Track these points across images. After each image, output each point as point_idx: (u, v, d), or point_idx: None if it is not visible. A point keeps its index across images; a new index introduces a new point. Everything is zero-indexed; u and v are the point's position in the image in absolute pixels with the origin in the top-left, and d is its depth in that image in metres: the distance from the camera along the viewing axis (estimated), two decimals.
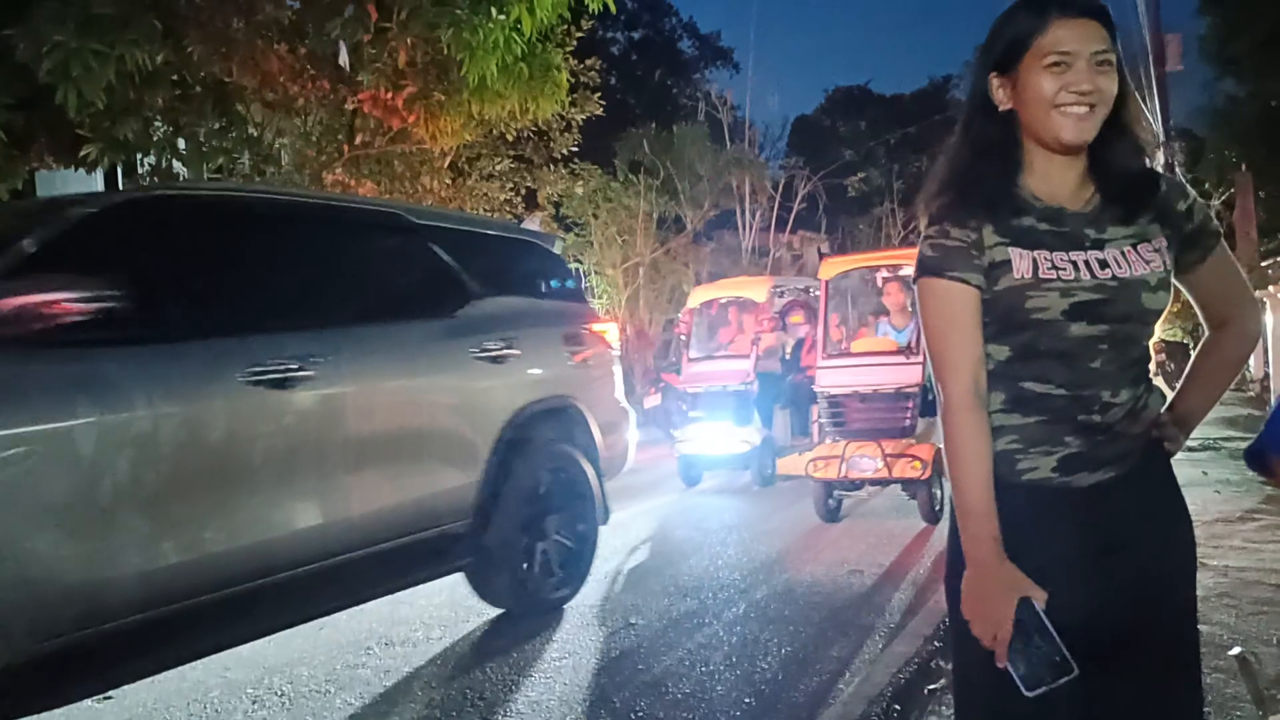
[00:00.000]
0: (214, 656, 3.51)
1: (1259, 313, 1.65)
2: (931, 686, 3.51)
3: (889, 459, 6.16)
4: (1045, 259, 1.47)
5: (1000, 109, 1.51)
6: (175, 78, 7.47)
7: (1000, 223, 1.49)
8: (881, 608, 4.63)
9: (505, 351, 4.40)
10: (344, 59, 7.30)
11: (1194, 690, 1.55)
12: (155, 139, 7.80)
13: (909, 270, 6.35)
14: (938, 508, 6.34)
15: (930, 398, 6.24)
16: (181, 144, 8.48)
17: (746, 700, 3.49)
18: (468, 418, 4.22)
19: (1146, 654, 1.49)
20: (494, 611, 4.79)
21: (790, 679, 3.69)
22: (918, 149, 32.23)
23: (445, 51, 7.32)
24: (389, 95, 7.85)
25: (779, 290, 9.84)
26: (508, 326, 4.48)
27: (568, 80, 8.88)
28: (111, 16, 6.12)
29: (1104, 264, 1.46)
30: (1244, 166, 16.76)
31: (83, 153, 6.79)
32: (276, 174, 8.53)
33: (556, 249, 5.43)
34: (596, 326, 5.25)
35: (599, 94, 11.26)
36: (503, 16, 7.08)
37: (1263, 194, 17.75)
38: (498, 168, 11.48)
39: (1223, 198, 18.59)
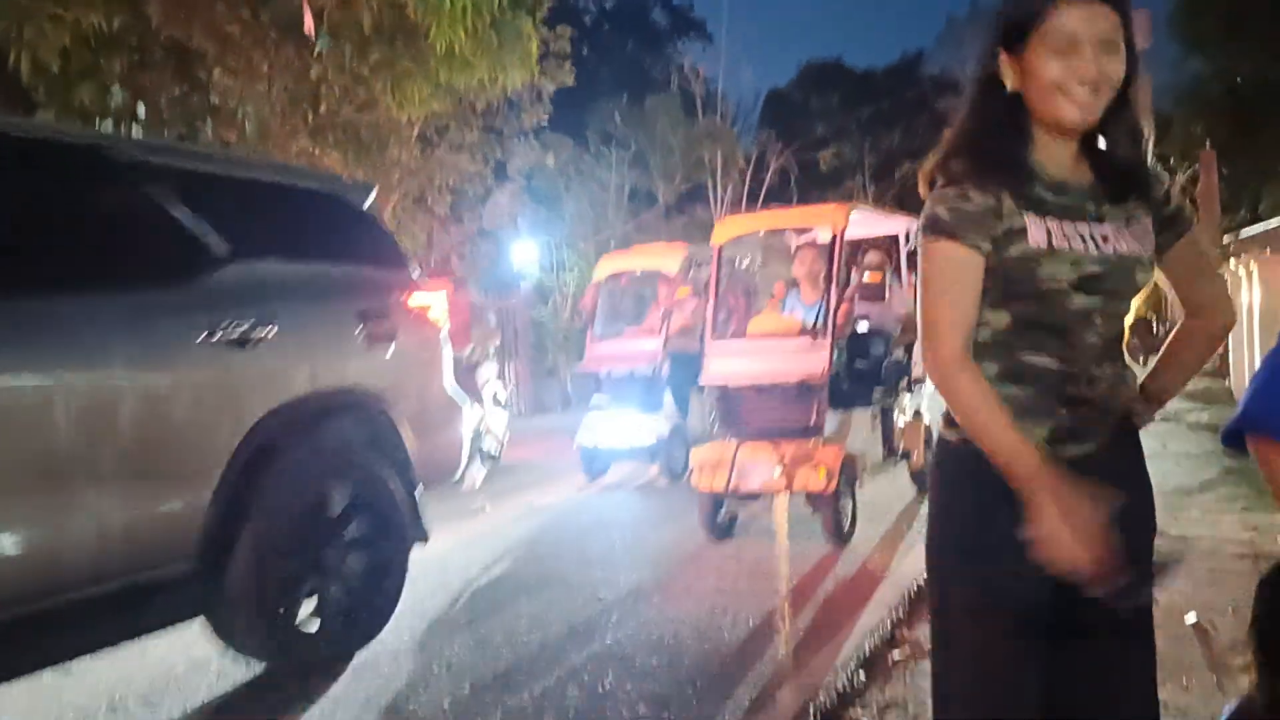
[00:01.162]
0: (178, 632, 3.47)
1: (1229, 301, 1.69)
2: (896, 655, 3.56)
3: (788, 466, 5.06)
4: (1057, 229, 1.48)
5: (1009, 87, 1.51)
6: (134, 42, 7.30)
7: (1016, 189, 1.49)
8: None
9: (254, 334, 3.35)
10: (308, 25, 7.15)
11: (1149, 657, 1.58)
12: (113, 105, 7.62)
13: (824, 233, 5.74)
14: (846, 526, 5.25)
15: (846, 387, 5.55)
16: (141, 110, 8.29)
17: None
18: (189, 423, 3.18)
19: (1108, 623, 1.51)
20: (459, 585, 4.78)
21: None
22: (890, 124, 32.31)
23: (412, 17, 7.20)
24: (355, 62, 7.71)
25: (697, 260, 8.73)
26: (263, 300, 3.42)
27: (538, 48, 8.77)
28: None
29: (1105, 238, 1.49)
30: (1208, 144, 16.95)
31: (36, 117, 6.61)
32: (240, 142, 8.36)
33: (365, 200, 4.32)
34: (416, 299, 4.21)
35: (570, 63, 11.13)
36: None
37: (1225, 171, 17.98)
38: (467, 139, 11.33)
39: (1188, 174, 18.81)
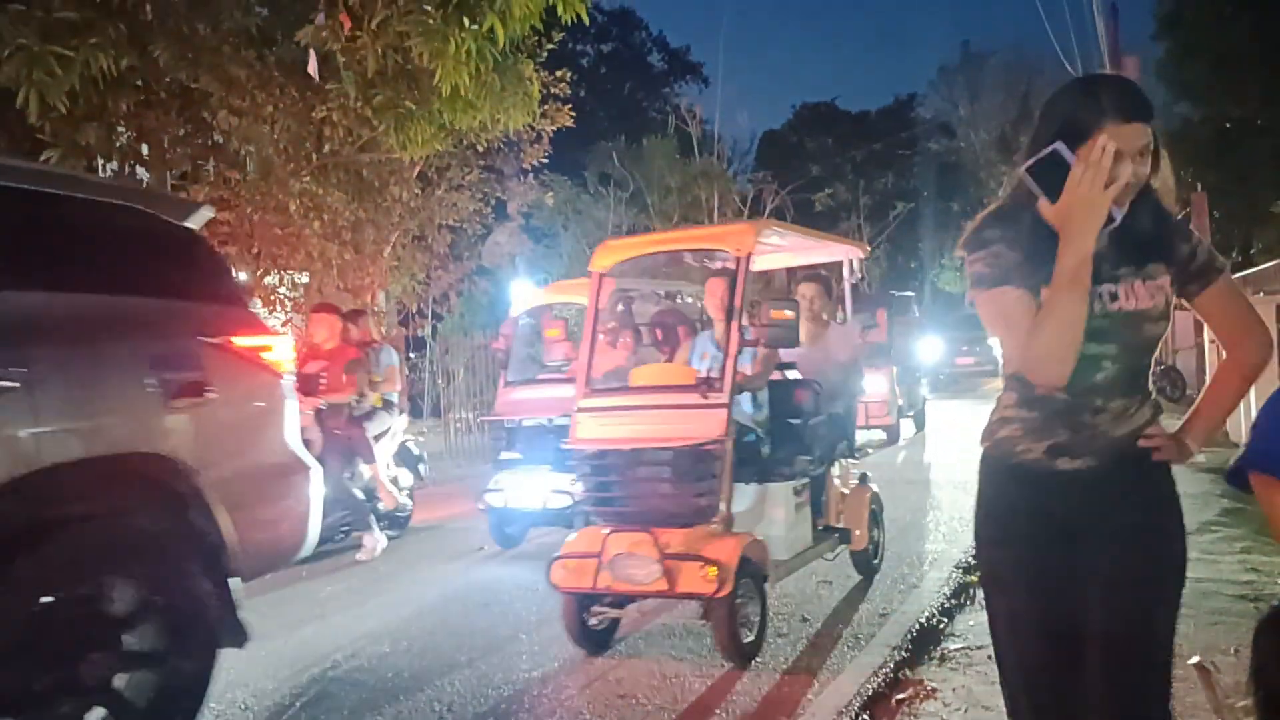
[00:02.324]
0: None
1: (1267, 337, 1.83)
2: (899, 696, 3.54)
3: (670, 561, 3.82)
4: None
5: None
6: (140, 83, 7.39)
7: (1043, 254, 1.68)
8: None
9: None
10: (313, 67, 7.25)
11: (1159, 685, 1.73)
12: (118, 145, 7.70)
13: (724, 255, 4.59)
14: (749, 639, 3.99)
15: (765, 452, 4.53)
16: (145, 150, 8.38)
17: None
18: None
19: (1110, 633, 1.69)
20: (460, 626, 4.75)
21: None
22: (883, 165, 32.71)
23: (417, 61, 7.31)
24: (359, 104, 7.82)
25: (627, 294, 7.37)
26: (6, 342, 2.71)
27: (539, 91, 8.90)
28: (76, 20, 6.04)
29: (1114, 296, 1.70)
30: (1199, 187, 17.17)
31: (43, 157, 6.68)
32: (243, 181, 8.44)
33: (186, 219, 3.57)
34: (244, 341, 3.46)
35: (569, 106, 11.27)
36: (474, 26, 7.08)
37: (1217, 214, 18.18)
38: (467, 178, 11.43)
39: (1181, 216, 19.01)
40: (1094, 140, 1.61)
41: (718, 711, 3.49)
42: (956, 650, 4.03)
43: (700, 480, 3.96)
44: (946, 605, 4.65)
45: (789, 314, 4.10)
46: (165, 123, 7.98)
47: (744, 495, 4.32)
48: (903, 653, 3.98)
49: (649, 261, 5.32)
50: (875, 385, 10.72)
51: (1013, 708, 1.85)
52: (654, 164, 19.49)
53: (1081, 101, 1.68)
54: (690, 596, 3.92)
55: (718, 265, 5.10)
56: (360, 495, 6.49)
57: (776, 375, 4.87)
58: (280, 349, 3.62)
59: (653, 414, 4.17)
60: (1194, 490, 7.17)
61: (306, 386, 6.20)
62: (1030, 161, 1.66)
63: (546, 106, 10.23)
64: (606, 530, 4.04)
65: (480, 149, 10.94)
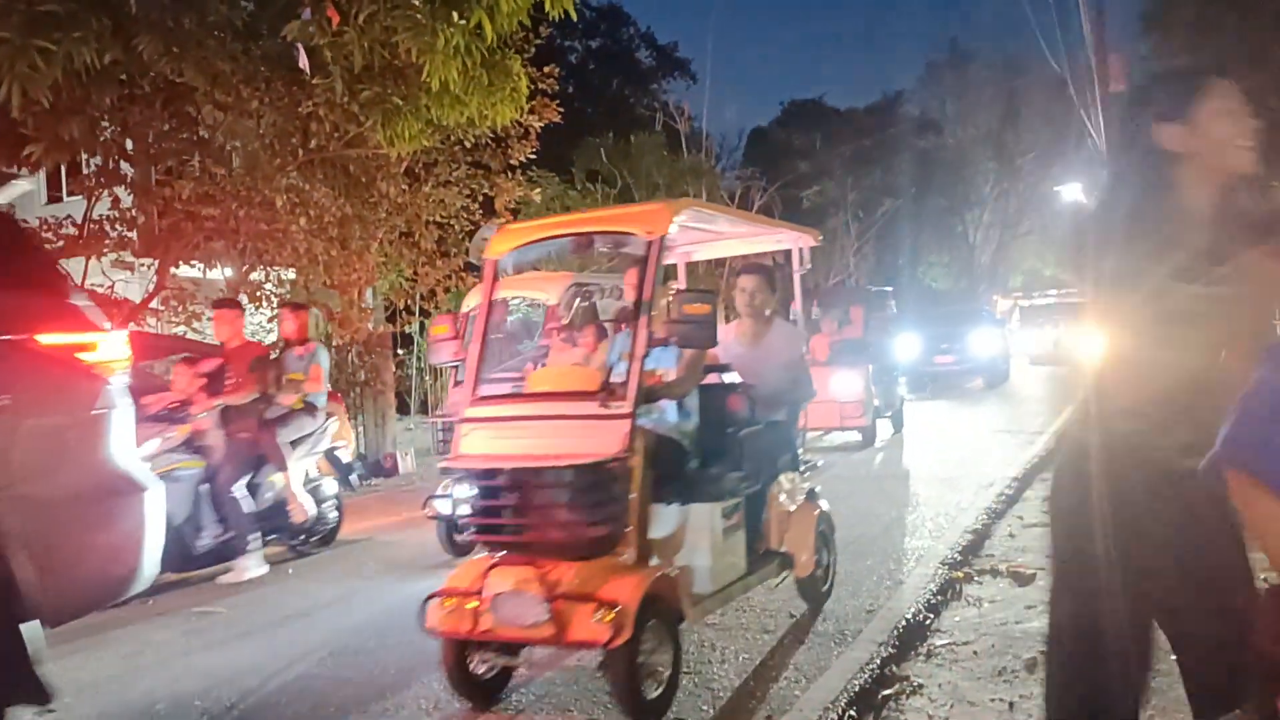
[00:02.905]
0: (162, 667, 3.42)
1: None
2: (885, 692, 3.56)
3: (560, 603, 3.25)
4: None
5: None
6: (123, 77, 7.33)
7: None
8: None
9: None
10: (302, 62, 7.21)
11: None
12: (102, 139, 7.64)
13: (641, 238, 3.79)
14: (656, 693, 3.38)
15: (694, 466, 4.02)
16: (129, 144, 8.31)
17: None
18: None
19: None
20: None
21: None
22: (871, 162, 32.74)
23: (404, 56, 7.27)
24: (345, 99, 7.78)
25: (586, 289, 7.10)
26: None
27: (527, 87, 8.87)
28: (59, 13, 5.98)
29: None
30: None
31: (25, 152, 6.63)
32: (228, 177, 8.39)
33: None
34: (54, 339, 2.99)
35: (557, 101, 11.25)
36: (462, 21, 7.05)
37: None
38: (455, 174, 11.39)
39: None
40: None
41: (703, 708, 3.50)
42: (942, 646, 4.06)
43: (598, 505, 3.36)
44: (933, 601, 4.68)
45: (705, 308, 3.52)
46: (149, 117, 7.92)
47: (664, 519, 3.77)
48: (889, 649, 3.99)
49: (554, 247, 4.56)
50: (850, 385, 10.62)
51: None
52: (642, 160, 19.49)
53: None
54: (581, 646, 3.34)
55: (630, 253, 4.44)
56: (250, 508, 5.93)
57: (713, 378, 4.32)
58: (109, 347, 3.10)
59: (547, 426, 3.59)
60: None
61: (212, 386, 5.95)
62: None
63: (534, 102, 10.20)
64: (490, 564, 3.47)
65: (468, 145, 10.91)
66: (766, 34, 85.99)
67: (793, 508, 4.54)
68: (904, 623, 4.31)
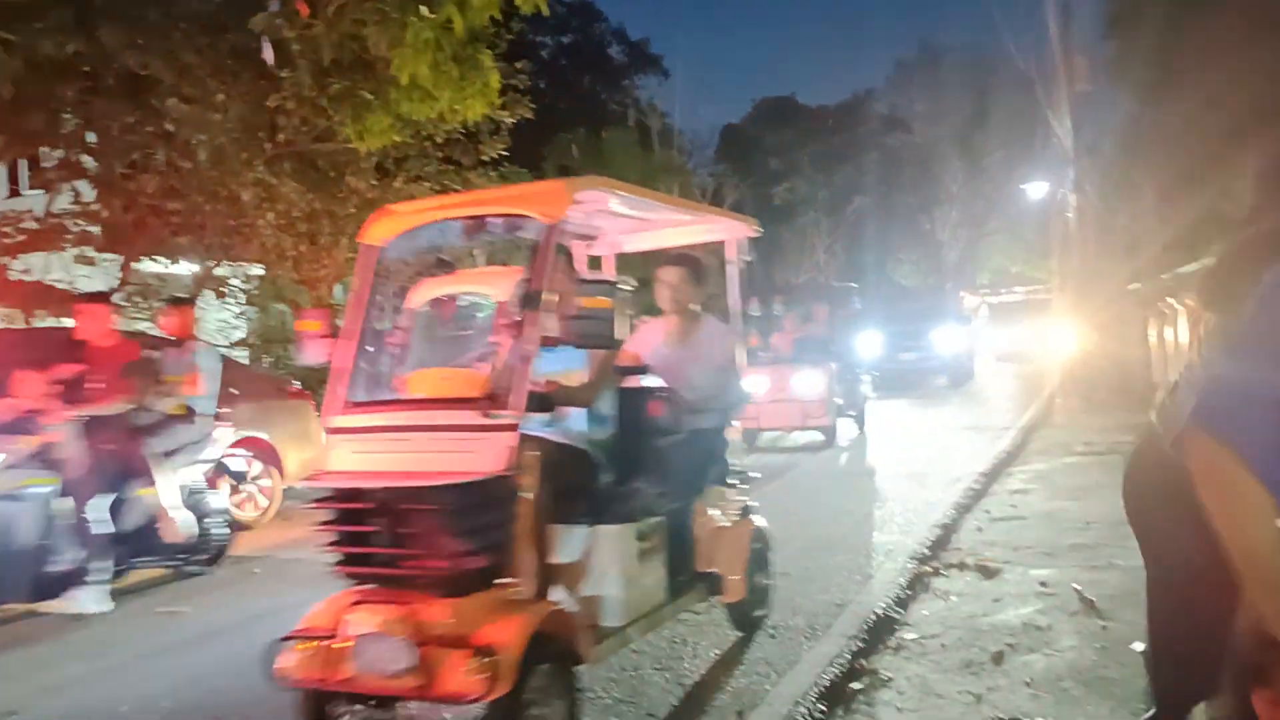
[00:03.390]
0: (128, 669, 3.37)
1: None
2: (855, 685, 3.59)
3: (430, 649, 2.74)
4: None
5: None
6: (86, 69, 7.22)
7: None
8: None
9: None
10: (268, 55, 7.13)
11: None
12: (64, 132, 7.51)
13: (538, 222, 3.26)
14: None
15: (607, 481, 3.53)
16: (92, 137, 8.18)
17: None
18: None
19: None
20: None
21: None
22: (841, 159, 32.99)
23: (374, 50, 7.22)
24: (314, 93, 7.71)
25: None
26: None
27: (498, 82, 8.84)
28: (20, 4, 5.88)
29: None
30: (1148, 186, 17.56)
31: None
32: (194, 171, 8.28)
33: None
34: None
35: (529, 97, 11.21)
36: (432, 15, 7.01)
37: (1165, 212, 18.61)
38: (425, 170, 11.33)
39: (1131, 214, 19.44)
40: None
41: (674, 702, 3.52)
42: (911, 640, 4.10)
43: (474, 531, 2.88)
44: (901, 596, 4.72)
45: (604, 303, 3.13)
46: (113, 109, 7.81)
47: (568, 543, 3.29)
48: (858, 643, 4.03)
49: (442, 232, 3.89)
50: (813, 383, 10.50)
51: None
52: (614, 157, 19.50)
53: None
54: (451, 700, 2.74)
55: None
56: (105, 530, 5.19)
57: (634, 381, 3.86)
58: None
59: (424, 438, 3.08)
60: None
61: (71, 394, 5.29)
62: None
63: (505, 98, 10.16)
64: (353, 600, 2.92)
65: (438, 140, 10.84)
66: (738, 30, 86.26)
67: (723, 525, 4.10)
68: (873, 617, 4.35)
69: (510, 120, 11.11)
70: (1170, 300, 12.97)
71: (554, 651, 2.94)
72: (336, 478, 3.14)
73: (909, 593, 4.81)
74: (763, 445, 10.78)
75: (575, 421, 3.62)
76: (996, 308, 30.34)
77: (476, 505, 2.89)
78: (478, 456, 2.94)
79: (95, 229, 8.68)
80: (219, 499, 6.11)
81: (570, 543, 3.31)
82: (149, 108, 7.94)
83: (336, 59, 7.49)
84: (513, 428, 2.96)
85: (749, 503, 4.40)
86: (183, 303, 6.38)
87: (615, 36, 33.78)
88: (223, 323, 9.97)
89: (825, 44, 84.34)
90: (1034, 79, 19.59)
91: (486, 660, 2.64)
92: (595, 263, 4.81)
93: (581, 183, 3.60)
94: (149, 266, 9.63)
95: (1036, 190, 26.00)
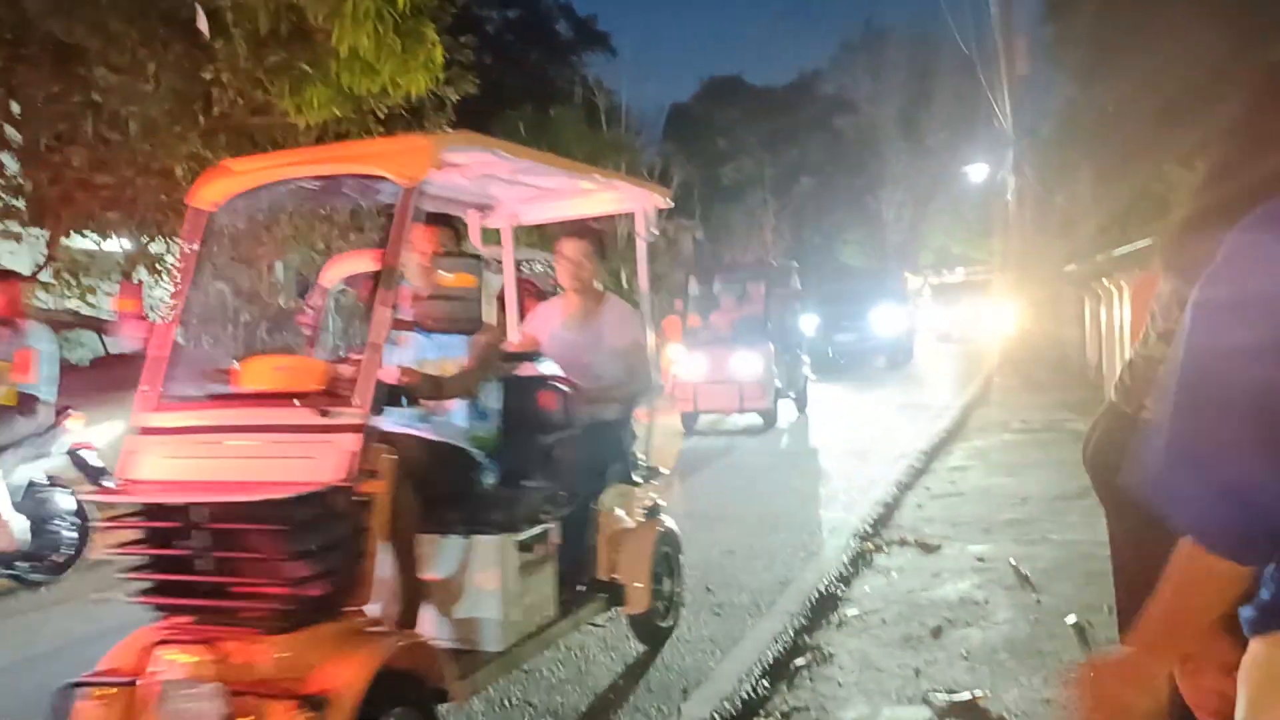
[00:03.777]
0: (57, 656, 3.26)
1: None
2: (798, 661, 3.64)
3: (244, 700, 2.25)
4: None
5: None
6: (8, 36, 6.91)
7: None
8: None
9: None
10: (202, 24, 6.90)
11: None
12: None
13: (394, 183, 2.76)
14: None
15: (490, 482, 3.21)
16: (15, 108, 7.86)
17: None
18: None
19: None
20: None
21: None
22: (789, 140, 33.17)
23: (312, 20, 7.03)
24: (250, 64, 7.49)
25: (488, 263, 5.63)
26: None
27: (442, 56, 8.68)
28: None
29: None
30: (1084, 167, 17.95)
31: None
32: (124, 143, 7.99)
33: None
34: None
35: (474, 72, 11.02)
36: None
37: (1100, 192, 19.07)
38: None
39: (1067, 195, 19.87)
40: None
41: (619, 681, 3.53)
42: (853, 616, 4.17)
43: (311, 554, 2.41)
44: (844, 573, 4.80)
45: (468, 280, 2.70)
46: (37, 79, 7.49)
47: (439, 557, 2.94)
48: (802, 619, 4.09)
49: (283, 194, 3.33)
50: (750, 365, 10.27)
51: None
52: (562, 135, 19.33)
53: None
54: None
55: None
56: None
57: (529, 369, 3.54)
58: None
59: (252, 441, 2.59)
60: (1074, 457, 7.56)
61: None
62: None
63: (450, 72, 9.98)
64: (159, 638, 2.39)
65: (380, 115, 10.59)
66: (685, 9, 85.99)
67: (627, 527, 3.74)
68: (816, 594, 4.42)
69: (455, 96, 10.92)
70: (1104, 281, 13.30)
71: (411, 691, 2.49)
72: (143, 489, 2.59)
73: (851, 569, 4.88)
74: (702, 429, 10.71)
75: (453, 415, 3.18)
76: (938, 288, 30.87)
77: (311, 522, 2.41)
78: (314, 463, 2.45)
79: (19, 203, 8.36)
80: (67, 499, 5.33)
81: (441, 557, 2.95)
82: (75, 77, 7.63)
83: (274, 29, 7.27)
84: (357, 428, 2.47)
85: (657, 501, 3.99)
86: (9, 276, 5.46)
87: (562, 12, 33.43)
88: (157, 301, 9.69)
89: (772, 24, 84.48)
90: (976, 62, 19.87)
91: (314, 711, 2.16)
92: (493, 236, 4.33)
93: (449, 139, 3.24)
94: (79, 243, 9.31)
95: (978, 172, 26.46)
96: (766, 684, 3.43)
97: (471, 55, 10.91)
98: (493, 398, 3.31)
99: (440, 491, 2.89)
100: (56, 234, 8.51)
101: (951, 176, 33.92)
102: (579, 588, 3.50)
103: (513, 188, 3.90)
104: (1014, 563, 4.69)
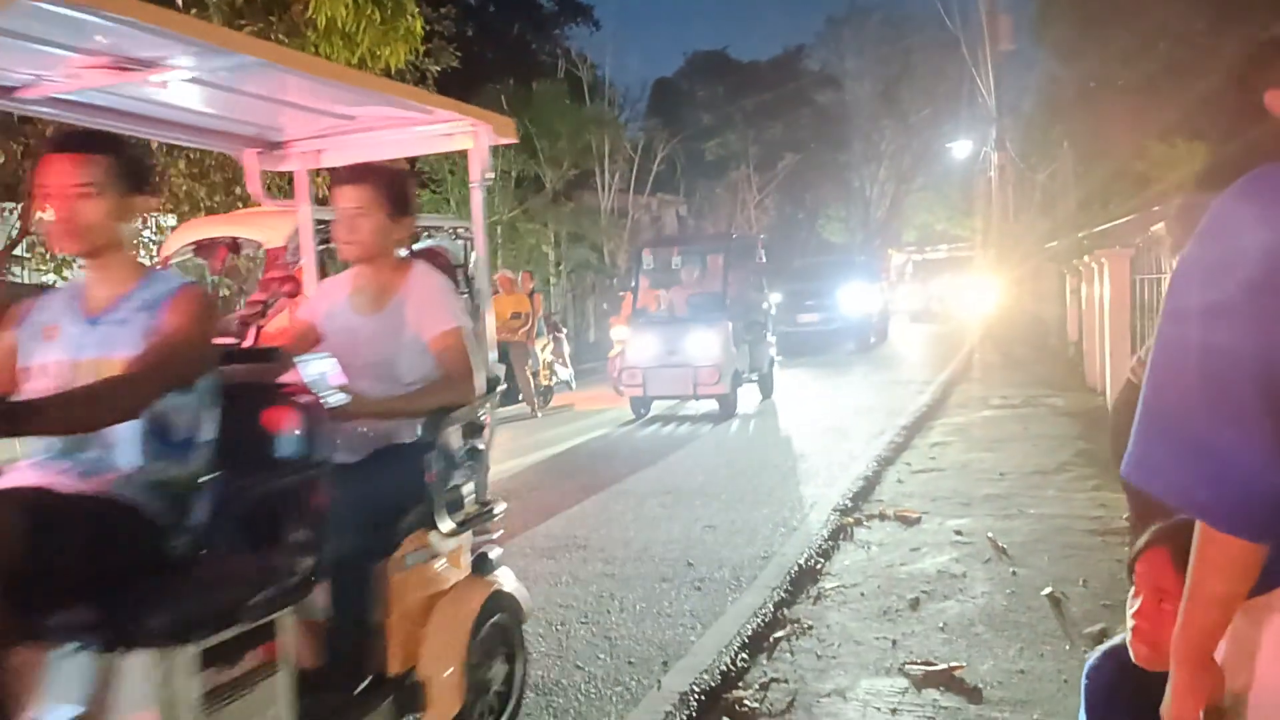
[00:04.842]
0: None
1: None
2: (777, 634, 3.67)
3: None
4: None
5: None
6: None
7: None
8: None
9: None
10: None
11: None
12: None
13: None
14: None
15: (179, 549, 1.97)
16: None
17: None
18: None
19: None
20: None
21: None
22: (772, 115, 33.00)
23: None
24: None
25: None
26: None
27: (422, 28, 8.57)
28: None
29: None
30: (1065, 143, 17.99)
31: None
32: None
33: None
34: None
35: (454, 45, 10.90)
36: None
37: (1081, 170, 19.12)
38: None
39: (1049, 173, 19.92)
40: None
41: (600, 656, 3.55)
42: (832, 589, 4.20)
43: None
44: (824, 547, 4.83)
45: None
46: None
47: (61, 685, 1.74)
48: (782, 593, 4.11)
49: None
50: (705, 346, 9.37)
51: None
52: (544, 109, 19.14)
53: None
54: None
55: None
56: None
57: (287, 371, 2.28)
58: None
59: None
60: (1053, 432, 7.62)
61: None
62: None
63: (430, 44, 9.86)
64: None
65: None
66: None
67: (434, 594, 2.58)
68: (796, 568, 4.44)
69: (435, 68, 10.80)
70: (1085, 258, 13.37)
71: None
72: None
73: (831, 544, 4.92)
74: (661, 414, 10.14)
75: (120, 451, 1.98)
76: (921, 264, 30.95)
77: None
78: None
79: None
80: None
81: (60, 687, 1.74)
82: None
83: None
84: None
85: (486, 552, 2.85)
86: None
87: None
88: None
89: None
90: (960, 38, 19.82)
91: None
92: (285, 182, 3.34)
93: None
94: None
95: (961, 149, 26.48)
96: (746, 656, 3.45)
97: (452, 27, 10.81)
98: (201, 419, 2.10)
99: (67, 580, 1.75)
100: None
101: (935, 153, 33.96)
102: (354, 692, 2.32)
103: (309, 117, 2.83)
104: (991, 536, 4.74)
